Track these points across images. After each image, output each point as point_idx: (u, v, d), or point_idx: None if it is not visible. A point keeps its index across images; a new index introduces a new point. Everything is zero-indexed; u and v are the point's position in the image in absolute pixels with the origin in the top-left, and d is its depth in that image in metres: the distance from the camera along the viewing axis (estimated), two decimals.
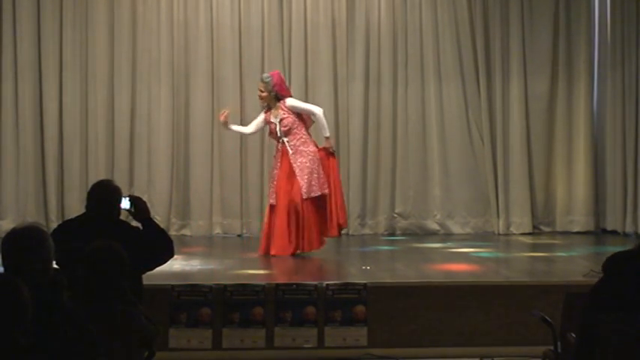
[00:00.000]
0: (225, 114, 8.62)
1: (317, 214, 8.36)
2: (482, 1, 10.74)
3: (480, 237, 10.39)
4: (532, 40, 10.75)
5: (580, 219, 10.73)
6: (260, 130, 8.82)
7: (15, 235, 3.62)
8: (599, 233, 10.66)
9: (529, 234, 10.56)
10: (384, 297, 6.62)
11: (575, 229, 10.70)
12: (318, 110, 8.53)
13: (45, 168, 10.42)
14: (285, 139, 8.37)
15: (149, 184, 10.52)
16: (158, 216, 9.90)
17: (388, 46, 10.73)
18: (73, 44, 10.46)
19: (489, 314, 6.61)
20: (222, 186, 10.58)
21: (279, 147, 8.46)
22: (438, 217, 10.74)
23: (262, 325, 6.46)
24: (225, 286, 6.56)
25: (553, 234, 10.65)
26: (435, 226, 10.73)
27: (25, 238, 3.60)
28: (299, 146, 8.38)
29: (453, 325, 6.59)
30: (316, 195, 8.31)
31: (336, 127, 10.68)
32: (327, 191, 8.37)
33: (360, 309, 6.51)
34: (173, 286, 6.52)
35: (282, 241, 8.23)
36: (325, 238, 8.53)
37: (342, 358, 6.43)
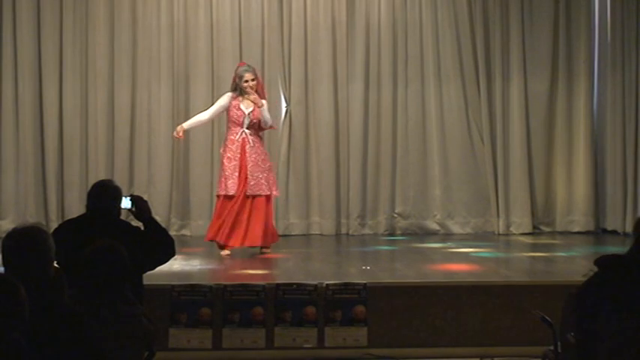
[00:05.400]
0: (181, 134, 8.65)
1: (262, 212, 8.44)
2: (482, 1, 10.74)
3: (480, 237, 10.39)
4: (532, 40, 10.75)
5: (580, 219, 10.72)
6: (217, 116, 8.79)
7: (15, 234, 3.63)
8: (599, 233, 10.65)
9: (529, 234, 10.56)
10: (384, 297, 6.62)
11: (575, 229, 10.70)
12: (270, 121, 8.66)
13: (45, 168, 10.42)
14: (248, 132, 8.44)
15: (149, 184, 10.53)
16: (158, 216, 9.86)
17: (388, 47, 10.73)
18: (73, 44, 10.46)
19: (489, 314, 6.61)
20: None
21: (236, 137, 8.45)
22: (438, 217, 10.74)
23: (262, 325, 6.46)
24: (225, 286, 6.56)
25: (553, 234, 10.65)
26: (435, 226, 10.73)
27: (25, 238, 3.60)
28: (257, 142, 8.49)
29: (453, 325, 6.59)
30: (262, 194, 8.41)
31: (336, 127, 10.69)
32: (276, 193, 8.59)
33: (360, 309, 6.51)
34: (173, 286, 6.52)
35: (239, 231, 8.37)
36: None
37: (342, 358, 6.43)
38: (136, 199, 5.08)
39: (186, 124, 8.77)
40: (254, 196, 8.40)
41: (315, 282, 6.64)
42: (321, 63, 10.70)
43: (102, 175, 9.56)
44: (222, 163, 8.50)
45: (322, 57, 10.69)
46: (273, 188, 8.55)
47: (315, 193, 10.67)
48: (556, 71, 10.77)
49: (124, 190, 5.33)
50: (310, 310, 6.49)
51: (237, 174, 8.39)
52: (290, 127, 10.66)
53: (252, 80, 8.48)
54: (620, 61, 10.53)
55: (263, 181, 8.42)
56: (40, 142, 10.43)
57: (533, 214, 10.75)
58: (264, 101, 8.55)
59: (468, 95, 10.75)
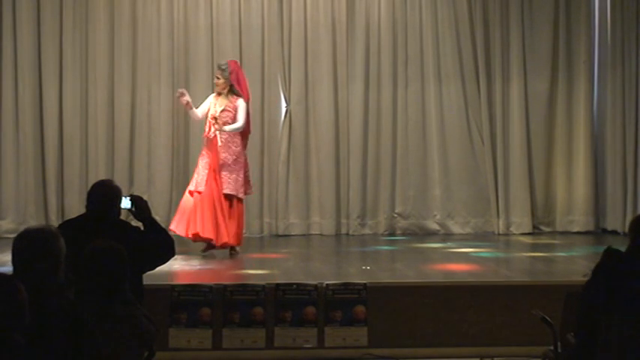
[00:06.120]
0: (186, 98, 8.61)
1: (233, 212, 8.47)
2: (482, 1, 10.75)
3: (480, 237, 10.39)
4: (532, 40, 10.75)
5: (580, 219, 10.72)
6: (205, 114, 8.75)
7: (26, 235, 3.62)
8: (599, 233, 10.65)
9: (529, 234, 10.56)
10: (384, 297, 6.62)
11: (575, 229, 10.70)
12: (239, 126, 8.51)
13: (45, 168, 10.42)
14: (218, 131, 8.48)
15: (149, 184, 10.53)
16: (158, 216, 9.87)
17: (388, 47, 10.73)
18: (73, 44, 10.46)
19: (489, 314, 6.61)
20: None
21: (210, 135, 8.51)
22: (438, 217, 10.73)
23: (262, 325, 6.46)
24: (225, 286, 6.57)
25: (553, 234, 10.65)
26: (435, 226, 10.73)
27: (35, 239, 3.59)
28: (228, 142, 8.47)
29: (453, 325, 6.60)
30: (232, 194, 8.43)
31: (336, 127, 10.69)
32: (241, 195, 8.51)
33: (360, 309, 6.51)
34: (173, 286, 6.53)
35: (210, 227, 8.38)
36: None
37: (342, 358, 6.43)
38: (135, 199, 5.07)
39: (194, 109, 8.72)
40: (226, 195, 8.44)
41: (315, 282, 6.64)
42: (321, 63, 10.69)
43: (102, 175, 9.56)
44: (198, 160, 8.63)
45: (322, 57, 10.69)
46: (241, 190, 8.51)
47: (315, 193, 10.67)
48: (556, 71, 10.77)
49: (124, 190, 5.33)
50: (310, 310, 6.49)
51: (206, 171, 8.45)
52: (290, 127, 10.66)
53: (218, 79, 8.55)
54: (620, 61, 10.53)
55: (231, 181, 8.44)
56: (40, 142, 10.42)
57: (533, 214, 10.75)
58: (240, 101, 8.51)
59: (468, 95, 10.75)
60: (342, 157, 10.72)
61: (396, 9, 10.77)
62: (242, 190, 8.54)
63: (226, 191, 8.42)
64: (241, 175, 8.53)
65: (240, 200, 8.56)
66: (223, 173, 8.42)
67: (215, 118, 8.41)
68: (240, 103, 8.52)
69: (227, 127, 8.44)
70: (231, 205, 8.48)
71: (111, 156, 10.54)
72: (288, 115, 10.66)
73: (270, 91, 10.68)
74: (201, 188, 8.43)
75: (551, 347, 4.86)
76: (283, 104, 10.70)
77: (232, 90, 8.55)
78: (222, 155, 8.44)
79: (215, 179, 8.42)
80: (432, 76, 10.72)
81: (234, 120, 8.48)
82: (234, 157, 8.49)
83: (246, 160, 8.66)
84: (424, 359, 6.45)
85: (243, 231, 8.95)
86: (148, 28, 10.61)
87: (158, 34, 10.61)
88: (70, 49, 10.46)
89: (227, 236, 8.39)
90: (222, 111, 8.48)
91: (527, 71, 10.75)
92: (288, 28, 10.71)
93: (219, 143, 8.42)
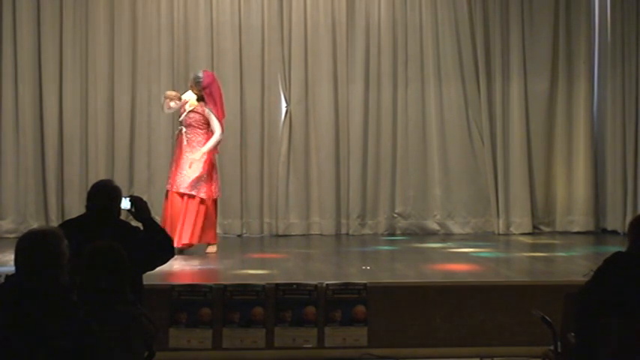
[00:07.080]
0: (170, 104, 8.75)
1: (193, 210, 8.48)
2: (482, 1, 10.75)
3: (480, 237, 10.39)
4: (532, 40, 10.75)
5: (580, 219, 10.72)
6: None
7: (29, 236, 3.62)
8: (599, 233, 10.66)
9: (529, 234, 10.56)
10: (384, 297, 6.62)
11: (575, 229, 10.70)
12: (217, 134, 8.56)
13: (45, 168, 10.42)
14: (185, 129, 8.58)
15: (149, 184, 10.53)
16: (158, 216, 9.88)
17: (388, 47, 10.73)
18: (73, 44, 10.46)
19: (489, 314, 6.61)
20: (222, 186, 10.57)
21: (178, 135, 8.69)
22: (438, 217, 10.73)
23: (262, 325, 6.47)
24: (225, 286, 6.57)
25: (553, 234, 10.65)
26: (435, 226, 10.73)
27: (37, 240, 3.59)
28: (192, 141, 8.55)
29: (453, 325, 6.60)
30: (184, 192, 8.45)
31: (336, 127, 10.69)
32: (203, 196, 8.49)
33: (360, 309, 6.51)
34: (173, 286, 6.53)
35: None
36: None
37: (342, 358, 6.43)
38: (135, 200, 5.08)
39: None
40: (184, 194, 8.48)
41: (315, 282, 6.64)
42: (321, 63, 10.70)
43: (102, 175, 9.56)
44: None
45: (322, 57, 10.69)
46: (202, 190, 8.49)
47: (315, 193, 10.67)
48: (556, 71, 10.77)
49: (124, 190, 5.33)
50: (310, 310, 6.50)
51: (172, 169, 8.61)
52: (290, 127, 10.66)
53: (192, 87, 8.68)
54: (620, 62, 10.53)
55: (189, 180, 8.45)
56: (40, 142, 10.42)
57: (533, 214, 10.75)
58: (208, 107, 8.57)
59: (468, 95, 10.75)
60: (342, 157, 10.72)
61: (396, 9, 10.77)
62: (201, 190, 8.50)
63: (180, 189, 8.47)
64: (204, 176, 8.53)
65: (203, 200, 8.54)
66: (183, 172, 8.48)
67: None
68: (210, 111, 8.58)
69: (205, 148, 8.50)
70: (192, 204, 8.49)
71: (111, 156, 10.55)
72: (288, 115, 10.66)
73: (270, 91, 10.68)
74: (167, 187, 8.60)
75: (551, 347, 4.86)
76: (283, 104, 10.70)
77: (202, 97, 8.65)
78: (186, 154, 8.52)
79: (174, 178, 8.55)
80: (432, 76, 10.72)
81: (199, 122, 8.57)
82: (199, 155, 8.52)
83: (211, 162, 8.63)
84: (424, 359, 6.45)
85: (216, 230, 8.92)
86: (148, 28, 10.61)
87: (158, 34, 10.61)
88: (70, 49, 10.46)
89: (180, 236, 8.41)
90: (190, 112, 8.61)
91: (527, 71, 10.75)
92: (288, 28, 10.71)
93: (185, 142, 8.54)
